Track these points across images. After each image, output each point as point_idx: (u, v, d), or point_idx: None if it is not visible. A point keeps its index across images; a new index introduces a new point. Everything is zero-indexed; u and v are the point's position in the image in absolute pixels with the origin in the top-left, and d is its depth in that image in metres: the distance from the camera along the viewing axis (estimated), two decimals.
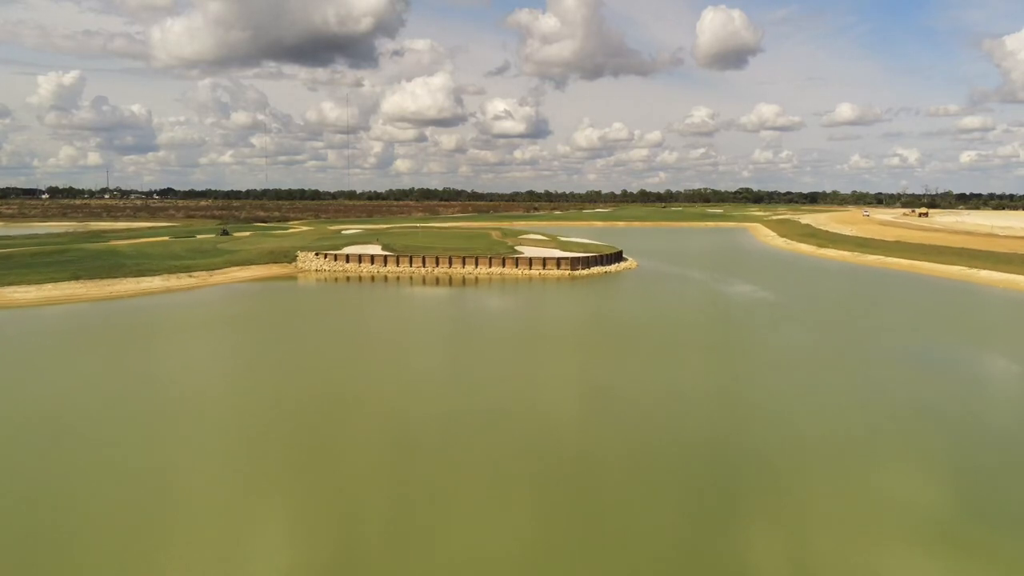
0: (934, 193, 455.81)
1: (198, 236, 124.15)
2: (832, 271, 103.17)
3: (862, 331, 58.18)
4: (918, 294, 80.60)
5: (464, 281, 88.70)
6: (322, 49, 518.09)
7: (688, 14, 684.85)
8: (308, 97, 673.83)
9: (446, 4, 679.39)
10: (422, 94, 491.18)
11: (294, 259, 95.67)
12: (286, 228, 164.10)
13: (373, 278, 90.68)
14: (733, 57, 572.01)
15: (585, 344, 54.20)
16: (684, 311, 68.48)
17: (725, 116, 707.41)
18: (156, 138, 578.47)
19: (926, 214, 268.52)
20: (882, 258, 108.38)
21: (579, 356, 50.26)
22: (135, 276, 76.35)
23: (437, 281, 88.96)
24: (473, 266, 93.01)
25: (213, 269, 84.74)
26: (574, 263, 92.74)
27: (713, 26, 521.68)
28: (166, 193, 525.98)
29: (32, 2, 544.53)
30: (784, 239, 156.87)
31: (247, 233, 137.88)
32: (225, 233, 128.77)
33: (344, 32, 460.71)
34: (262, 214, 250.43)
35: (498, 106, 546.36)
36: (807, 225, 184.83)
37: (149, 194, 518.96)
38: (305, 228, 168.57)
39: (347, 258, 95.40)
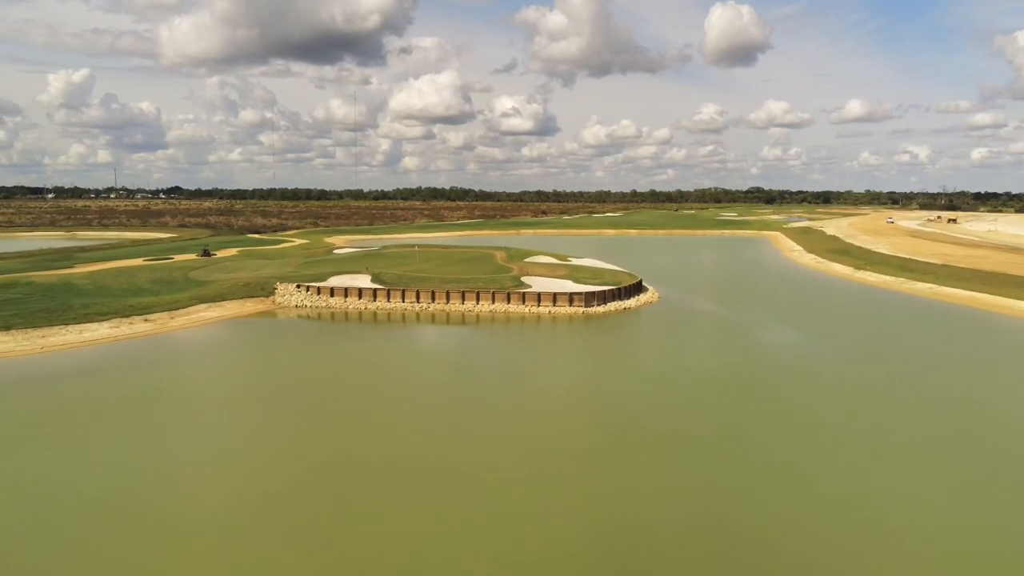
0: (950, 193, 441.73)
1: (175, 258, 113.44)
2: (881, 304, 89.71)
3: (975, 428, 46.79)
4: (1004, 346, 68.72)
5: (464, 319, 77.55)
6: (330, 47, 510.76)
7: (696, 10, 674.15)
8: (316, 95, 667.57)
9: (453, 1, 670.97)
10: (429, 92, 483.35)
11: (272, 292, 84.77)
12: (279, 242, 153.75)
13: (360, 315, 79.73)
14: (741, 54, 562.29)
15: (600, 442, 42.84)
16: (723, 380, 55.40)
17: (734, 113, 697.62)
18: (165, 136, 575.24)
19: (955, 220, 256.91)
20: (934, 287, 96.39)
21: (592, 463, 39.10)
22: (79, 322, 65.64)
23: (433, 319, 77.88)
24: (474, 302, 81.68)
25: (175, 309, 73.96)
26: (588, 299, 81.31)
27: (721, 23, 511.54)
28: (173, 192, 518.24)
29: (40, 1, 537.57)
30: (812, 256, 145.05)
31: (233, 251, 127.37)
32: (206, 254, 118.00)
33: (352, 30, 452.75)
34: (260, 221, 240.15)
35: (505, 103, 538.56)
36: (834, 238, 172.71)
37: (156, 193, 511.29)
38: (299, 241, 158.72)
39: (331, 292, 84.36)
